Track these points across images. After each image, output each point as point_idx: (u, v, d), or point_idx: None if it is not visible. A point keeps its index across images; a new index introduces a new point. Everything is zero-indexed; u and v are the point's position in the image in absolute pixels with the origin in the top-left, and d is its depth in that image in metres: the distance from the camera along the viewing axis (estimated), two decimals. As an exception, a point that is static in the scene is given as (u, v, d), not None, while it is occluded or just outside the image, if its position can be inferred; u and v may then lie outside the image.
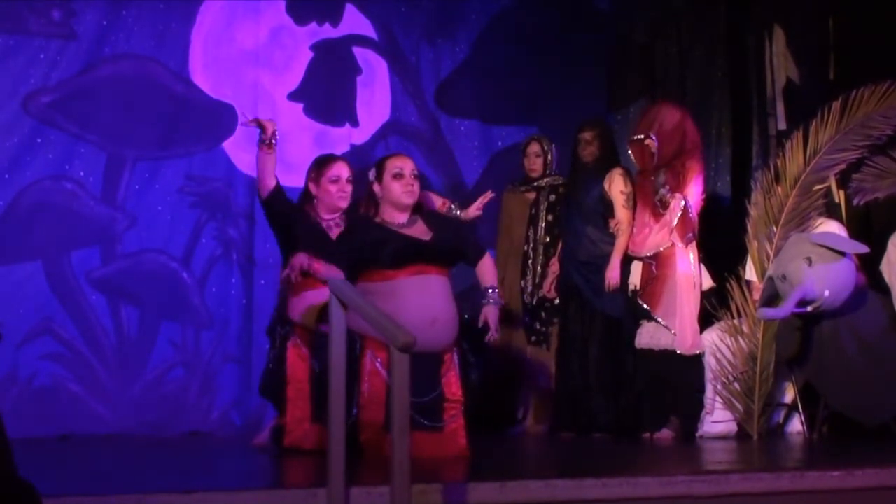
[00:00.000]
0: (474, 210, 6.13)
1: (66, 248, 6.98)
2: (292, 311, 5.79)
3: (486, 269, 5.68)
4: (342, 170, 5.95)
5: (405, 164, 5.56)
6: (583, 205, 6.78)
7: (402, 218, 5.52)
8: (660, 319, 6.47)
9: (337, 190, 5.90)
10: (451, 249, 5.53)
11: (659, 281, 6.51)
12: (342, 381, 4.18)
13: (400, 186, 5.50)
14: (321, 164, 6.00)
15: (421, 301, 5.31)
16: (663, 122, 6.57)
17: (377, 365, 5.34)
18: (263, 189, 5.91)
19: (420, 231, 5.50)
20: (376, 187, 5.55)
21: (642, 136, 6.58)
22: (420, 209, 5.65)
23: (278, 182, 5.90)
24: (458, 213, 6.06)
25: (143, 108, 7.14)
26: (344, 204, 5.91)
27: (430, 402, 5.34)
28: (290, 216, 5.89)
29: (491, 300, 5.58)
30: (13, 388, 6.70)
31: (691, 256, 6.54)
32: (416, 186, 5.54)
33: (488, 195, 6.19)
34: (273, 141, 5.83)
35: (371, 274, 5.39)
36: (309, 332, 5.71)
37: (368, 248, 5.39)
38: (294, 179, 7.19)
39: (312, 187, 5.95)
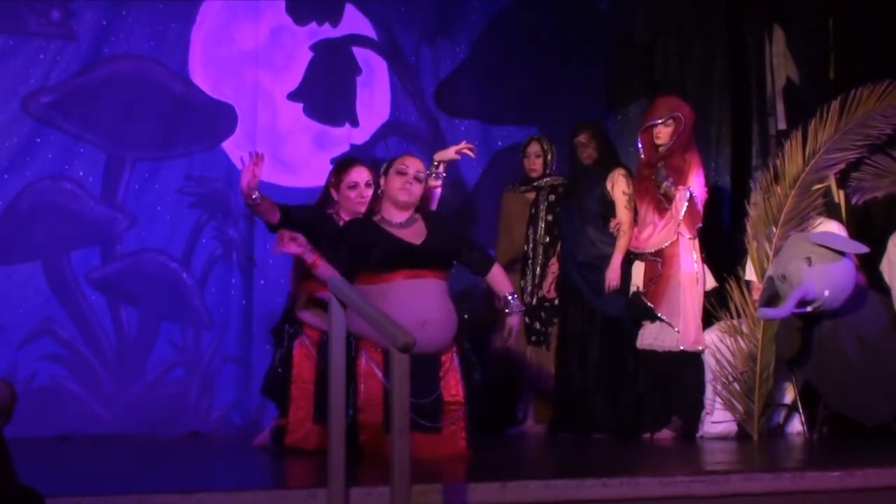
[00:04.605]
0: (452, 153, 6.16)
1: (65, 248, 6.98)
2: (302, 311, 5.79)
3: (501, 278, 5.72)
4: (360, 175, 5.90)
5: (411, 164, 5.58)
6: (583, 205, 6.78)
7: (399, 217, 5.52)
8: (663, 317, 6.49)
9: (356, 195, 5.86)
10: (442, 253, 5.51)
11: (663, 279, 6.52)
12: (342, 381, 4.19)
13: (399, 182, 5.52)
14: (340, 170, 5.96)
15: (411, 303, 5.29)
16: (682, 108, 6.63)
17: (372, 366, 5.34)
18: (271, 222, 5.76)
19: (414, 233, 5.49)
20: (382, 181, 5.56)
21: (660, 120, 6.59)
22: (423, 210, 5.65)
23: (282, 209, 5.77)
24: (439, 169, 6.05)
25: (142, 108, 7.14)
26: (363, 209, 5.86)
27: (428, 404, 5.33)
28: (312, 224, 5.83)
29: (514, 309, 5.61)
30: (13, 389, 6.69)
31: (694, 254, 6.55)
32: (416, 188, 5.53)
33: (464, 145, 6.21)
34: (258, 198, 5.64)
35: (363, 276, 5.40)
36: (317, 332, 5.71)
37: (359, 249, 5.40)
38: (294, 179, 7.23)
39: (333, 193, 5.91)
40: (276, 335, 5.99)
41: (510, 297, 5.62)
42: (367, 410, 5.31)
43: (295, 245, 5.38)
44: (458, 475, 4.85)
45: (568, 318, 6.83)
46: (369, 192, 5.89)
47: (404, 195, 5.52)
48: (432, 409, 5.34)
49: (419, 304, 5.32)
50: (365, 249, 5.39)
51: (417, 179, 5.54)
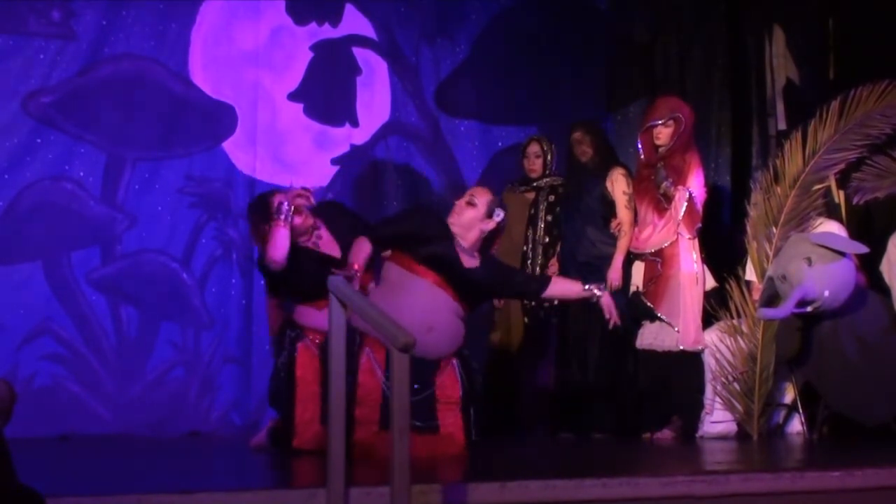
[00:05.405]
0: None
1: (66, 248, 6.98)
2: (310, 319, 5.77)
3: (564, 286, 5.84)
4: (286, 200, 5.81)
5: (470, 189, 5.81)
6: (583, 205, 6.78)
7: (463, 242, 5.58)
8: (663, 317, 6.48)
9: (298, 219, 5.77)
10: (477, 287, 5.57)
11: (663, 279, 6.52)
12: (342, 381, 4.19)
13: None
14: (265, 212, 5.78)
15: (424, 306, 5.37)
16: (682, 109, 6.64)
17: (373, 363, 5.36)
18: (274, 264, 5.66)
19: (470, 260, 5.57)
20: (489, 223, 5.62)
21: (661, 121, 6.58)
22: (487, 250, 5.69)
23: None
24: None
25: (142, 108, 7.14)
26: (310, 220, 5.83)
27: (421, 402, 5.33)
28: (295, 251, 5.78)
29: (598, 292, 5.70)
30: (13, 389, 6.69)
31: (694, 255, 6.55)
32: (466, 212, 5.59)
33: None
34: (291, 218, 5.65)
35: (401, 256, 5.47)
36: (320, 336, 5.73)
37: (420, 234, 5.48)
38: (294, 180, 7.22)
39: None
40: (277, 342, 5.98)
41: (588, 288, 5.72)
42: (364, 405, 5.34)
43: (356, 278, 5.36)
44: (458, 475, 4.86)
45: (568, 318, 6.83)
46: (302, 201, 5.81)
47: (451, 216, 5.61)
48: (425, 406, 5.37)
49: (431, 309, 5.40)
50: (424, 238, 5.47)
51: (470, 204, 5.60)
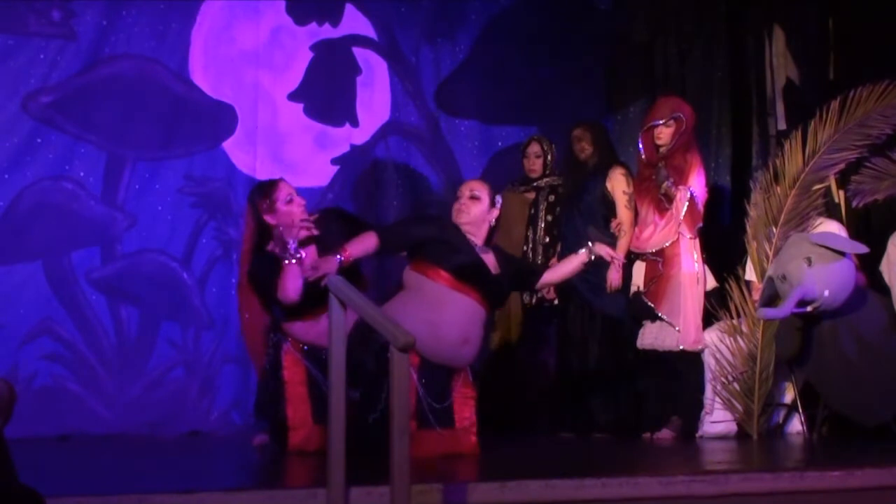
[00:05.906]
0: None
1: (66, 248, 6.98)
2: (295, 329, 5.76)
3: (561, 270, 5.85)
4: (288, 187, 5.79)
5: (465, 186, 5.78)
6: (583, 204, 6.78)
7: (477, 241, 5.62)
8: (664, 317, 6.48)
9: (297, 207, 5.74)
10: (502, 289, 5.65)
11: (663, 279, 6.52)
12: (342, 380, 4.19)
13: (455, 205, 5.69)
14: (266, 192, 5.78)
15: (462, 319, 5.42)
16: (683, 109, 6.64)
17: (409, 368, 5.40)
18: (290, 302, 5.58)
19: (491, 262, 5.60)
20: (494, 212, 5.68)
21: (662, 121, 6.58)
22: (490, 241, 5.72)
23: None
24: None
25: (142, 109, 7.14)
26: (306, 215, 5.79)
27: (445, 409, 5.44)
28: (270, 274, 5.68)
29: (591, 248, 5.69)
30: (13, 389, 6.69)
31: (695, 254, 6.55)
32: (473, 207, 5.63)
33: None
34: (300, 255, 5.57)
35: (426, 266, 5.46)
36: (300, 341, 5.76)
37: (443, 246, 5.47)
38: (294, 180, 7.14)
39: (269, 218, 5.72)
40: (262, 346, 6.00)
41: (583, 254, 5.70)
42: None
43: (319, 269, 5.29)
44: (457, 475, 4.85)
45: (568, 318, 6.83)
46: (303, 201, 5.80)
47: (460, 216, 5.63)
48: (447, 411, 5.46)
49: (466, 321, 5.45)
50: (448, 250, 5.47)
51: (473, 198, 5.64)
